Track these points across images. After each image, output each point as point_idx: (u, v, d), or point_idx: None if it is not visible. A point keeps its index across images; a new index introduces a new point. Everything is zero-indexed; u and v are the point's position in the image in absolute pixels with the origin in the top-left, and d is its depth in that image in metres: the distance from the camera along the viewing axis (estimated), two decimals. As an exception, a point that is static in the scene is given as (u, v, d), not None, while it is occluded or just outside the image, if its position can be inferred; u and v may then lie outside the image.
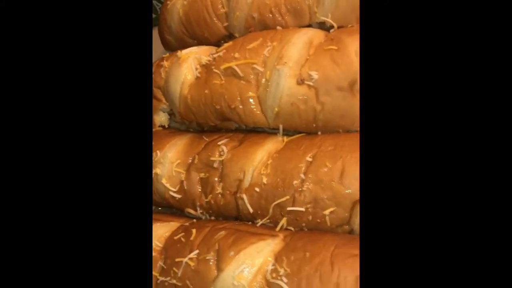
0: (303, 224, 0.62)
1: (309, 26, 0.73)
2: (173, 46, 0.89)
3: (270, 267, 0.56)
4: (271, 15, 0.74)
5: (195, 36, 0.84)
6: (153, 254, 0.67)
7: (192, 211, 0.73)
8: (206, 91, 0.72)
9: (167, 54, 0.83)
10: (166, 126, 0.83)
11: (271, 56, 0.67)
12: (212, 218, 0.72)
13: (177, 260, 0.63)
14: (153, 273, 0.66)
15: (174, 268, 0.63)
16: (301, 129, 0.68)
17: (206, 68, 0.73)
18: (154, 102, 0.81)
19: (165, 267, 0.64)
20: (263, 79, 0.67)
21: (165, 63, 0.80)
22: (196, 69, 0.74)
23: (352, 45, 0.64)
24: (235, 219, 0.70)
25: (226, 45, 0.73)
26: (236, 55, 0.69)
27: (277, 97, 0.66)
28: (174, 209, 0.76)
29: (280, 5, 0.73)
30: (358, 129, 0.66)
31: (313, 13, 0.72)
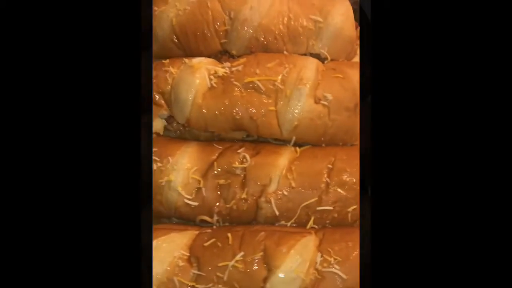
0: (327, 222, 0.72)
1: (304, 54, 0.86)
2: (154, 53, 0.87)
3: (319, 259, 0.64)
4: (275, 40, 0.84)
5: (187, 47, 0.85)
6: (181, 263, 0.64)
7: (208, 219, 0.73)
8: (226, 101, 0.75)
9: (167, 60, 0.81)
10: (161, 134, 0.80)
11: (290, 77, 0.76)
12: (226, 224, 0.73)
13: (220, 265, 0.63)
14: (184, 281, 0.63)
15: (218, 273, 0.62)
16: (310, 141, 0.79)
17: (223, 80, 0.76)
18: (154, 107, 0.78)
19: (204, 275, 0.63)
20: (283, 96, 0.75)
21: (171, 69, 0.78)
22: (210, 79, 0.76)
23: (354, 76, 0.79)
24: (248, 223, 0.74)
25: (241, 60, 0.78)
26: (257, 71, 0.76)
27: (297, 112, 0.75)
28: (181, 220, 0.74)
29: (284, 33, 0.84)
30: (355, 143, 0.81)
31: (311, 45, 0.85)
